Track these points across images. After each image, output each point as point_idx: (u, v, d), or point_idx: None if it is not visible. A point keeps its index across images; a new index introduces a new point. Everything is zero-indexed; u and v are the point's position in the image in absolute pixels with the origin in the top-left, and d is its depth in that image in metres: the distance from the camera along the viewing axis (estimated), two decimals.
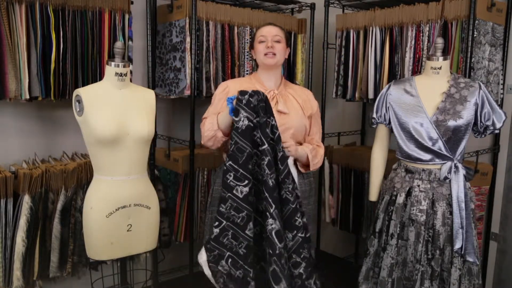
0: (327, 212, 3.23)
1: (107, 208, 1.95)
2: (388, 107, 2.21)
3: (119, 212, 1.98)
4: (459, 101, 2.06)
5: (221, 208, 1.82)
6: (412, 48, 2.55)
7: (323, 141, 2.51)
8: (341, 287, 3.11)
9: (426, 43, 2.49)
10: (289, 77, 3.01)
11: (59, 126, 2.57)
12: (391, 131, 2.25)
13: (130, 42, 2.44)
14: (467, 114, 2.04)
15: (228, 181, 1.81)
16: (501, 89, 2.60)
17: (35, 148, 2.48)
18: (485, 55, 2.41)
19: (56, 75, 2.21)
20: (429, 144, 2.07)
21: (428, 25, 2.49)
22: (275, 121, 1.84)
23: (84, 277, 2.42)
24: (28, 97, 2.14)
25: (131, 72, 2.22)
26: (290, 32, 2.97)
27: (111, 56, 2.10)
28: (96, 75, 2.35)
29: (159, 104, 2.27)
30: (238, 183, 1.80)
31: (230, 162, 1.80)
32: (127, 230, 2.02)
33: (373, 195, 2.36)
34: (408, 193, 2.14)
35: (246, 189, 1.80)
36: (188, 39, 2.48)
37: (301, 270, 1.86)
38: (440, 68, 2.13)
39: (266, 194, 1.78)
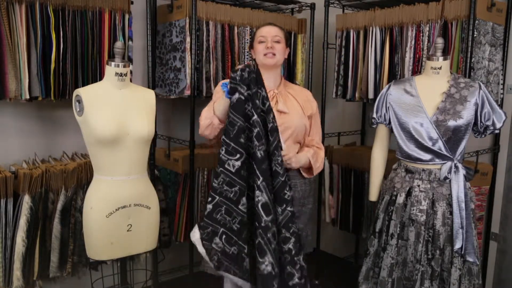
0: (327, 212, 3.22)
1: (107, 208, 1.96)
2: (388, 107, 2.21)
3: (119, 212, 1.98)
4: (459, 101, 2.06)
5: (214, 183, 1.81)
6: (412, 48, 2.55)
7: (323, 141, 2.51)
8: (341, 287, 3.11)
9: (426, 43, 2.49)
10: (289, 77, 3.01)
11: (59, 126, 2.57)
12: (391, 131, 2.25)
13: (130, 42, 2.44)
14: (467, 114, 2.04)
15: (220, 155, 1.79)
16: (501, 89, 2.60)
17: (35, 148, 2.48)
18: (485, 55, 2.41)
19: (56, 75, 2.21)
20: (429, 144, 2.07)
21: (428, 25, 2.49)
22: (266, 92, 1.81)
23: (84, 277, 2.42)
24: (28, 97, 2.14)
25: (131, 72, 2.22)
26: (290, 32, 2.97)
27: (111, 56, 2.10)
28: (96, 75, 2.35)
29: (159, 104, 2.27)
30: (230, 157, 1.78)
31: (223, 137, 1.79)
32: (127, 230, 2.02)
33: (373, 195, 2.36)
34: (408, 193, 2.14)
35: (238, 163, 1.78)
36: (188, 39, 2.48)
37: (290, 246, 1.81)
38: (440, 68, 2.13)
39: (255, 166, 1.76)
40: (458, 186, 2.05)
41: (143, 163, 2.05)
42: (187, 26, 2.48)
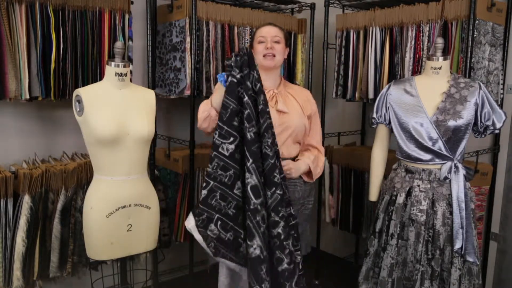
0: (327, 212, 3.22)
1: (107, 208, 1.96)
2: (388, 107, 2.21)
3: (119, 212, 1.98)
4: (459, 101, 2.06)
5: (208, 168, 1.79)
6: (412, 48, 2.55)
7: (323, 141, 2.51)
8: (341, 287, 3.11)
9: (426, 43, 2.49)
10: (289, 77, 3.01)
11: (59, 126, 2.57)
12: (391, 131, 2.25)
13: (130, 42, 2.44)
14: (467, 114, 2.04)
15: (214, 139, 1.78)
16: (501, 89, 2.60)
17: (35, 148, 2.48)
18: (485, 55, 2.41)
19: (56, 75, 2.21)
20: (429, 144, 2.07)
21: (428, 25, 2.49)
22: (258, 74, 1.81)
23: (84, 277, 2.42)
24: (28, 97, 2.14)
25: (131, 72, 2.22)
26: (290, 32, 2.97)
27: (111, 56, 2.10)
28: (96, 75, 2.35)
29: (159, 104, 2.27)
30: (224, 141, 1.77)
31: (218, 121, 1.79)
32: (127, 230, 2.02)
33: (373, 195, 2.36)
34: (408, 193, 2.14)
35: (232, 147, 1.77)
36: (188, 39, 2.48)
37: (279, 230, 1.79)
38: (440, 68, 2.13)
39: (245, 148, 1.75)
40: (458, 186, 2.05)
41: (143, 163, 2.05)
42: (187, 26, 2.48)
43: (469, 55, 2.30)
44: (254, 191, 1.74)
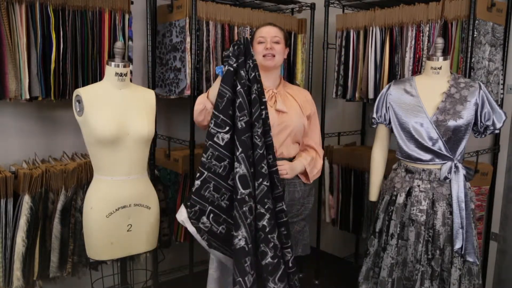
0: (327, 212, 3.23)
1: (107, 208, 1.96)
2: (388, 107, 2.21)
3: (119, 212, 1.98)
4: (459, 101, 2.06)
5: (202, 158, 1.77)
6: (412, 48, 2.55)
7: (323, 141, 2.52)
8: (341, 287, 3.11)
9: (426, 43, 2.49)
10: (289, 77, 3.01)
11: (59, 126, 2.57)
12: (391, 131, 2.25)
13: (130, 42, 2.44)
14: (467, 114, 2.04)
15: (209, 128, 1.77)
16: (501, 89, 2.60)
17: (35, 148, 2.48)
18: (485, 55, 2.41)
19: (56, 75, 2.21)
20: (429, 144, 2.07)
21: (428, 25, 2.49)
22: (254, 63, 1.79)
23: (84, 277, 2.42)
24: (28, 97, 2.14)
25: (131, 72, 2.22)
26: (290, 32, 2.97)
27: (111, 56, 2.10)
28: (96, 75, 2.34)
29: (159, 104, 2.27)
30: (219, 130, 1.75)
31: (213, 110, 1.78)
32: (127, 230, 2.02)
33: (373, 195, 2.36)
34: (408, 193, 2.14)
35: (227, 136, 1.75)
36: (188, 39, 2.48)
37: (264, 222, 1.76)
38: (440, 68, 2.13)
39: (235, 137, 1.74)
40: (458, 186, 2.05)
41: (143, 163, 2.05)
42: (187, 26, 2.48)
43: (469, 55, 2.30)
44: (242, 180, 1.72)
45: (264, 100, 1.82)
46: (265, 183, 1.77)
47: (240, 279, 1.72)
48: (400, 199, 2.15)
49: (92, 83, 2.26)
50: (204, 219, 1.80)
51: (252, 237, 1.75)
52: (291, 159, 2.05)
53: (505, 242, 2.83)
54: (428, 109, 2.09)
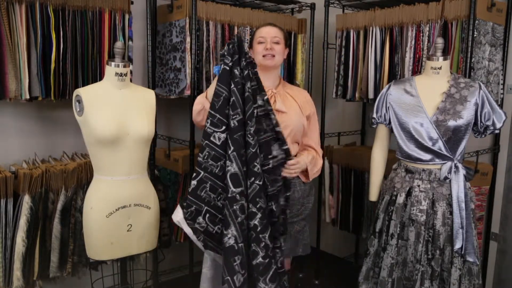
0: (327, 212, 3.23)
1: (107, 208, 1.96)
2: (388, 107, 2.21)
3: (119, 212, 1.98)
4: (459, 101, 2.06)
5: (199, 158, 1.77)
6: (412, 48, 2.55)
7: (322, 141, 2.52)
8: (341, 287, 3.11)
9: (426, 43, 2.49)
10: (289, 77, 3.01)
11: (59, 126, 2.57)
12: (391, 131, 2.25)
13: (130, 42, 2.44)
14: (467, 114, 2.04)
15: (206, 128, 1.76)
16: (501, 89, 2.60)
17: (35, 148, 2.48)
18: (485, 55, 2.41)
19: (56, 75, 2.21)
20: (429, 144, 2.07)
21: (428, 25, 2.49)
22: (246, 60, 1.79)
23: (84, 277, 2.42)
24: (28, 97, 2.14)
25: (131, 72, 2.22)
26: (290, 32, 2.97)
27: (111, 56, 2.10)
28: (96, 75, 2.34)
29: (159, 104, 2.27)
30: (215, 129, 1.75)
31: (209, 109, 1.77)
32: (127, 230, 2.02)
33: (373, 195, 2.36)
34: (408, 193, 2.14)
35: (224, 135, 1.74)
36: (188, 39, 2.48)
37: (256, 222, 1.75)
38: (440, 68, 2.13)
39: (228, 136, 1.73)
40: (458, 186, 2.05)
41: (143, 163, 2.05)
42: (187, 26, 2.48)
43: (469, 55, 2.30)
44: (234, 179, 1.71)
45: (262, 98, 1.81)
46: (257, 182, 1.76)
47: (228, 277, 1.71)
48: (400, 199, 2.15)
49: (92, 83, 2.26)
50: (200, 219, 1.79)
51: (244, 236, 1.74)
52: None
53: (505, 242, 2.83)
54: (428, 109, 2.09)
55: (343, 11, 3.10)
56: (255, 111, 1.80)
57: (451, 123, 2.03)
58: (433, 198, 2.09)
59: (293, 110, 2.05)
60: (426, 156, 2.09)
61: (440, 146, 2.06)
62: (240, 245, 1.72)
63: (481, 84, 2.10)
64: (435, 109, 2.08)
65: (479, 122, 2.07)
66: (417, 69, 2.53)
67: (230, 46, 1.78)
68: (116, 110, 1.93)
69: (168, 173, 2.86)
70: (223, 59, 1.79)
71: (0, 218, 2.08)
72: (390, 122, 2.22)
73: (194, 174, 1.78)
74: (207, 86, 2.62)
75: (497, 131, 2.12)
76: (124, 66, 1.97)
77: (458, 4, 2.35)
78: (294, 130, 2.03)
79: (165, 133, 2.95)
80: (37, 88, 2.17)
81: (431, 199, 2.09)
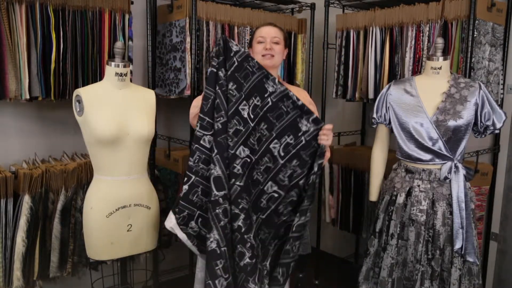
0: (327, 212, 3.23)
1: (107, 208, 1.96)
2: (388, 107, 2.21)
3: (119, 212, 1.98)
4: (459, 101, 2.06)
5: (189, 162, 1.76)
6: (412, 48, 2.55)
7: None
8: (341, 287, 3.11)
9: (426, 43, 2.49)
10: (289, 77, 3.01)
11: (59, 126, 2.57)
12: (391, 131, 2.25)
13: (130, 42, 2.44)
14: (467, 114, 2.04)
15: (196, 131, 1.76)
16: (501, 89, 2.60)
17: (35, 148, 2.48)
18: (485, 55, 2.41)
19: (56, 75, 2.21)
20: (429, 144, 2.07)
21: (428, 25, 2.49)
22: (242, 56, 1.78)
23: (84, 277, 2.42)
24: (28, 97, 2.14)
25: (131, 72, 2.22)
26: (290, 32, 2.97)
27: (111, 56, 2.10)
28: (96, 75, 2.35)
29: (159, 104, 2.27)
30: (205, 132, 1.74)
31: (199, 113, 1.77)
32: (127, 230, 2.02)
33: (373, 195, 2.36)
34: (408, 193, 2.14)
35: (213, 139, 1.74)
36: (188, 39, 2.48)
37: (239, 223, 1.74)
38: (440, 68, 2.13)
39: (212, 138, 1.73)
40: (458, 186, 2.05)
41: (143, 163, 2.05)
42: (187, 26, 2.48)
43: (469, 55, 2.30)
44: (216, 182, 1.71)
45: (273, 83, 1.80)
46: (238, 183, 1.75)
47: (210, 281, 1.70)
48: (400, 199, 2.15)
49: (92, 83, 2.26)
50: (193, 223, 1.79)
51: (227, 240, 1.73)
52: None
53: (505, 242, 2.83)
54: (428, 109, 2.09)
55: (343, 11, 3.10)
56: (268, 99, 1.79)
57: (451, 123, 2.03)
58: (433, 198, 2.09)
59: None
60: (426, 156, 2.09)
61: (440, 146, 2.06)
62: (222, 249, 1.71)
63: (481, 84, 2.10)
64: (435, 109, 2.08)
65: (479, 122, 2.07)
66: (417, 69, 2.53)
67: (216, 48, 1.78)
68: (116, 110, 1.93)
69: (168, 173, 2.86)
70: (211, 61, 1.79)
71: (0, 218, 2.08)
72: (390, 122, 2.22)
73: (185, 179, 1.77)
74: None
75: (497, 131, 2.12)
76: (124, 66, 1.97)
77: (458, 4, 2.35)
78: None
79: (165, 133, 2.95)
80: (37, 88, 2.17)
81: (431, 199, 2.09)
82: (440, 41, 2.12)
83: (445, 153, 2.06)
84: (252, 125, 1.80)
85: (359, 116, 3.51)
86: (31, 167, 2.26)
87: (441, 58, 2.12)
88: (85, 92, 1.92)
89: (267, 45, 1.99)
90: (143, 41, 2.72)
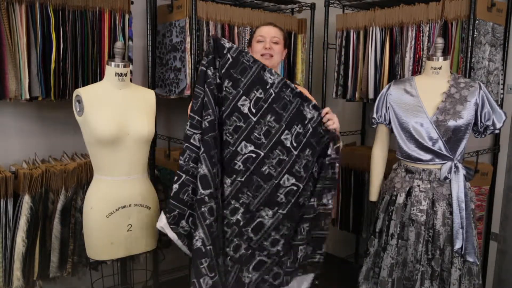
0: None
1: (107, 208, 1.96)
2: (388, 107, 2.21)
3: (119, 212, 1.98)
4: (459, 101, 2.06)
5: (180, 161, 1.76)
6: (412, 48, 2.55)
7: None
8: (341, 287, 3.11)
9: (426, 43, 2.49)
10: (289, 77, 3.01)
11: (59, 126, 2.57)
12: (391, 131, 2.25)
13: (130, 42, 2.44)
14: (467, 114, 2.04)
15: (186, 130, 1.76)
16: (501, 89, 2.60)
17: (35, 148, 2.48)
18: (485, 55, 2.41)
19: (56, 75, 2.21)
20: (429, 144, 2.07)
21: (428, 25, 2.49)
22: (236, 51, 1.78)
23: (84, 277, 2.42)
24: (28, 97, 2.14)
25: (131, 72, 2.22)
26: (290, 32, 2.97)
27: (111, 56, 2.10)
28: (96, 75, 2.34)
29: (159, 104, 2.27)
30: (195, 131, 1.74)
31: (189, 111, 1.77)
32: (127, 230, 2.02)
33: (373, 195, 2.36)
34: (408, 193, 2.14)
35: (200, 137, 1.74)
36: (188, 39, 2.48)
37: (238, 217, 1.77)
38: (440, 68, 2.13)
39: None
40: (458, 186, 2.05)
41: (143, 163, 2.05)
42: (187, 26, 2.48)
43: (469, 55, 2.29)
44: (203, 181, 1.70)
45: (270, 74, 1.79)
46: (238, 179, 1.77)
47: (194, 280, 1.70)
48: (400, 199, 2.15)
49: (92, 83, 2.26)
50: (183, 223, 1.79)
51: (213, 239, 1.73)
52: None
53: (505, 242, 2.83)
54: (428, 109, 2.09)
55: (343, 11, 3.10)
56: (271, 90, 1.79)
57: (451, 123, 2.03)
58: (433, 198, 2.09)
59: None
60: (426, 156, 2.09)
61: (440, 146, 2.06)
62: (208, 247, 1.71)
63: (481, 84, 2.10)
64: (435, 109, 2.08)
65: (479, 122, 2.07)
66: (417, 69, 2.53)
67: (207, 47, 1.80)
68: (116, 110, 1.93)
69: (168, 173, 2.86)
70: (201, 61, 1.79)
71: (0, 218, 2.08)
72: (390, 122, 2.22)
73: (176, 178, 1.77)
74: None
75: (497, 131, 2.12)
76: (124, 66, 1.97)
77: (458, 4, 2.35)
78: None
79: (165, 133, 2.95)
80: (37, 88, 2.17)
81: (431, 199, 2.09)
82: (440, 41, 2.12)
83: (445, 153, 2.06)
84: (254, 119, 1.80)
85: (359, 116, 3.51)
86: (31, 167, 2.26)
87: (441, 58, 2.12)
88: (85, 92, 1.92)
89: (266, 44, 1.99)
90: (143, 41, 2.72)
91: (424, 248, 2.09)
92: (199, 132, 1.74)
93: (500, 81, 2.57)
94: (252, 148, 1.79)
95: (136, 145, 1.97)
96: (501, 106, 2.63)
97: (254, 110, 1.79)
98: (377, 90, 2.71)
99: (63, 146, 2.55)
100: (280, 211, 1.83)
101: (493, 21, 2.43)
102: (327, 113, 1.85)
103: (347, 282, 3.03)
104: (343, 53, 2.93)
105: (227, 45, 1.79)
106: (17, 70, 2.10)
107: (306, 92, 2.18)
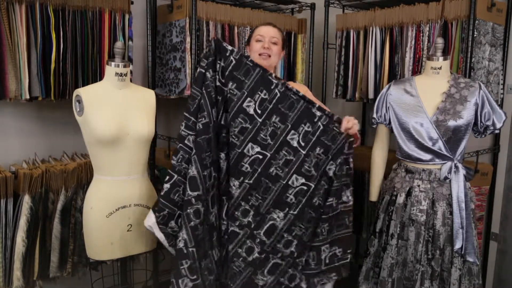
0: None
1: (107, 208, 1.96)
2: (388, 107, 2.21)
3: (119, 212, 1.98)
4: (459, 101, 2.06)
5: (173, 161, 1.76)
6: (412, 48, 2.55)
7: None
8: (341, 287, 3.10)
9: (426, 43, 2.49)
10: (289, 77, 3.01)
11: (59, 126, 2.57)
12: (391, 131, 2.25)
13: (130, 42, 2.44)
14: (467, 114, 2.04)
15: (181, 131, 1.76)
16: (501, 89, 2.60)
17: (35, 148, 2.48)
18: (485, 55, 2.41)
19: (56, 75, 2.21)
20: (429, 144, 2.07)
21: (428, 25, 2.49)
22: (227, 62, 1.78)
23: (84, 277, 2.42)
24: (28, 97, 2.14)
25: (131, 72, 2.22)
26: (290, 32, 2.97)
27: (111, 56, 2.10)
28: (96, 75, 2.35)
29: (159, 104, 2.28)
30: (190, 132, 1.75)
31: (184, 112, 1.77)
32: (127, 230, 2.02)
33: (373, 195, 2.36)
34: (408, 193, 2.14)
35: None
36: (188, 39, 2.48)
37: (249, 219, 1.78)
38: (440, 68, 2.13)
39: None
40: (458, 186, 2.05)
41: (143, 163, 2.05)
42: (187, 26, 2.48)
43: (469, 55, 2.29)
44: (191, 182, 1.70)
45: (271, 77, 1.79)
46: (246, 181, 1.77)
47: (173, 280, 1.71)
48: (400, 199, 2.15)
49: (92, 83, 2.26)
50: (173, 223, 1.79)
51: (197, 242, 1.72)
52: None
53: (505, 242, 2.83)
54: (428, 109, 2.09)
55: (343, 11, 3.10)
56: (276, 90, 1.78)
57: (451, 123, 2.03)
58: (433, 198, 2.09)
59: None
60: (426, 156, 2.09)
61: (440, 146, 2.06)
62: (190, 249, 1.71)
63: (481, 84, 2.10)
64: (435, 109, 2.08)
65: (479, 122, 2.07)
66: (417, 69, 2.53)
67: (207, 49, 1.78)
68: (116, 110, 1.93)
69: (168, 173, 2.85)
70: (200, 63, 1.79)
71: (0, 218, 2.08)
72: (390, 122, 2.22)
73: (167, 178, 1.77)
74: None
75: (497, 131, 2.12)
76: (124, 66, 1.97)
77: (458, 4, 2.35)
78: None
79: (165, 133, 2.95)
80: (37, 88, 2.17)
81: (431, 199, 2.09)
82: (440, 41, 2.12)
83: (445, 153, 2.06)
84: (260, 120, 1.79)
85: (359, 116, 3.51)
86: (31, 167, 2.26)
87: (441, 58, 2.12)
88: (85, 92, 1.92)
89: (265, 44, 1.98)
90: (143, 41, 2.72)
91: (424, 248, 2.09)
92: (194, 133, 1.74)
93: (500, 81, 2.57)
94: (258, 149, 1.78)
95: (136, 145, 1.97)
96: (501, 106, 2.63)
97: (259, 111, 1.79)
98: (377, 90, 2.71)
99: (63, 146, 2.55)
100: (291, 212, 1.82)
101: (493, 21, 2.43)
102: (347, 122, 1.85)
103: (347, 282, 3.02)
104: (343, 53, 2.93)
105: (229, 47, 1.80)
106: (17, 70, 2.10)
107: (305, 89, 2.18)
